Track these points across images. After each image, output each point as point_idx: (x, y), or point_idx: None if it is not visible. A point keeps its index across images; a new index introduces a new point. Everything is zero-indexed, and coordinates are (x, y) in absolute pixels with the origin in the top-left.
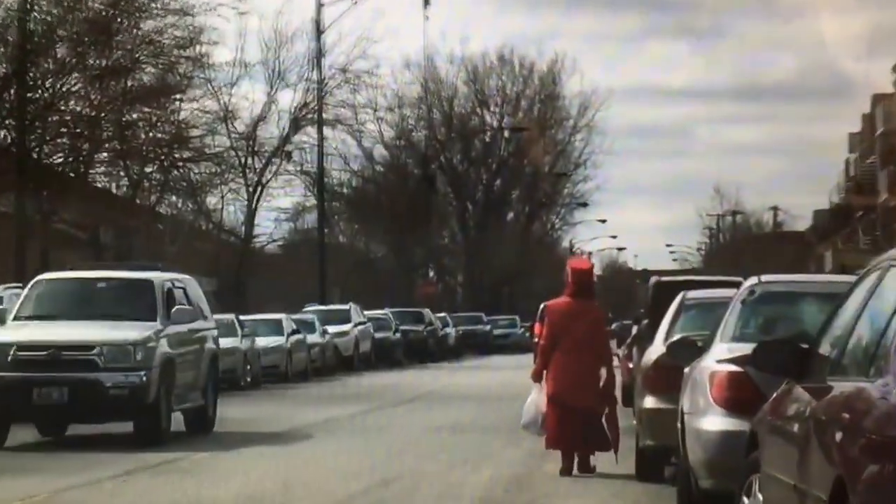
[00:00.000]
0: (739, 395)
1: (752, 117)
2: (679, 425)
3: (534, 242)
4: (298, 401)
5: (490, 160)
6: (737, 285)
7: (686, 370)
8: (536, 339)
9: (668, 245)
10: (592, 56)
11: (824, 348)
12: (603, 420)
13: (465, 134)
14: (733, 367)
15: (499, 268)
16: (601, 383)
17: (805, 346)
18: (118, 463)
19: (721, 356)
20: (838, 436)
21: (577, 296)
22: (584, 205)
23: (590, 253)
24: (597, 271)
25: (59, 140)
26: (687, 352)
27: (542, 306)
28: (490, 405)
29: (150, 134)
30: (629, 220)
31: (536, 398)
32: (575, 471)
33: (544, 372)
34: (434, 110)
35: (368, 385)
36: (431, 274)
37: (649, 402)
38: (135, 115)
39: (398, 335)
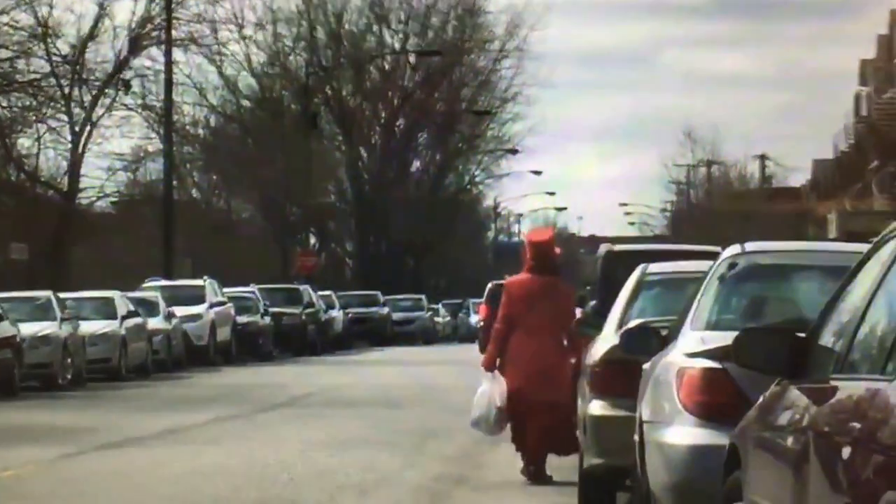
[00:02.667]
0: (716, 398)
1: (733, 39)
2: (636, 438)
3: (447, 200)
4: (134, 404)
5: (390, 93)
6: (713, 256)
7: (646, 366)
8: (482, 323)
9: (622, 204)
10: None
11: (827, 339)
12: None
13: (357, 59)
14: (708, 363)
15: (401, 233)
16: (567, 372)
17: (802, 335)
18: None
19: (692, 348)
20: (846, 452)
21: (538, 272)
22: (514, 151)
23: (553, 226)
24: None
25: None
26: (647, 342)
27: (490, 285)
28: (388, 413)
29: None
30: (572, 172)
31: (489, 390)
32: (528, 480)
33: (497, 360)
34: (317, 28)
35: (228, 384)
36: (312, 241)
37: (597, 407)
38: None
39: (268, 319)
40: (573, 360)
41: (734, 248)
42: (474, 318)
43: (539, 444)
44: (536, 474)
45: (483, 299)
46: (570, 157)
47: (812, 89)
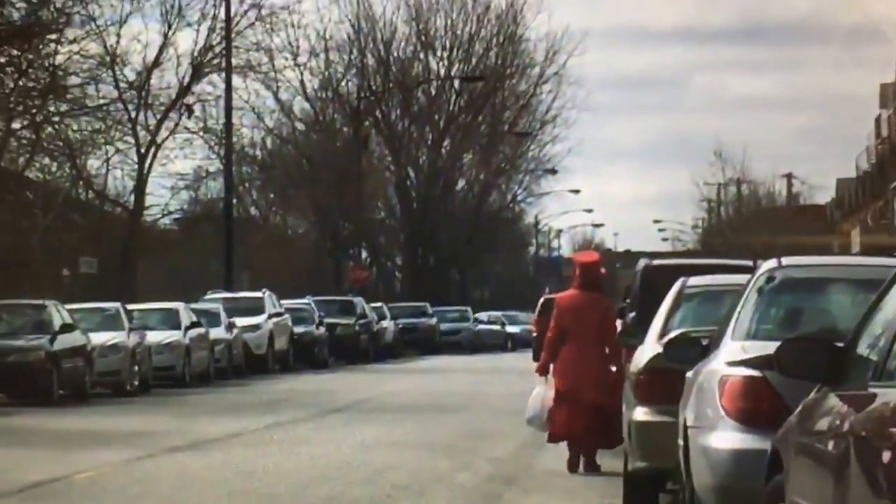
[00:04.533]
0: (757, 404)
1: (761, 64)
2: (680, 442)
3: (490, 217)
4: (198, 410)
5: (436, 116)
6: (746, 270)
7: (689, 374)
8: (535, 334)
9: (656, 221)
10: None
11: (863, 348)
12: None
13: (405, 84)
14: (749, 371)
15: (447, 248)
16: (610, 377)
17: (840, 345)
18: None
19: (733, 357)
20: (886, 455)
21: (584, 288)
22: (553, 171)
23: (595, 246)
24: (567, 252)
25: None
26: (689, 352)
27: (542, 299)
28: (438, 417)
29: (19, 82)
30: (608, 190)
31: (542, 392)
32: (581, 468)
33: (550, 366)
34: (367, 55)
35: (286, 391)
36: (364, 255)
37: (641, 413)
38: (0, 60)
39: (323, 330)
40: (614, 366)
41: (771, 262)
42: (514, 328)
43: (588, 440)
44: (588, 465)
45: (535, 312)
46: (606, 177)
47: (835, 112)
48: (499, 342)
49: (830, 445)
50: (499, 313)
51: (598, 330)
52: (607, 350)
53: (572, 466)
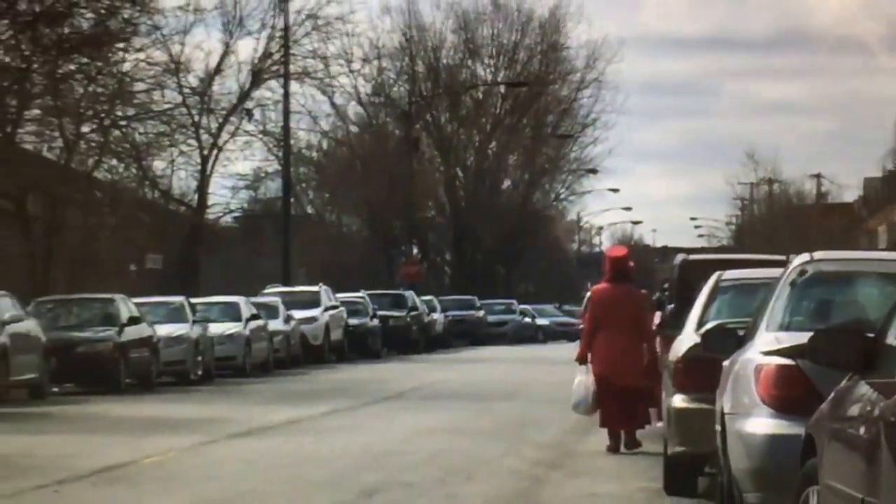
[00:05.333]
0: (791, 392)
1: (791, 70)
2: (718, 428)
3: (534, 215)
4: (258, 398)
5: (483, 120)
6: (781, 265)
7: (725, 364)
8: (582, 326)
9: (692, 218)
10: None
11: (892, 338)
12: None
13: (453, 89)
14: (783, 360)
15: (493, 244)
16: (644, 360)
17: (870, 335)
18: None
19: (768, 347)
20: None
21: (615, 281)
22: (593, 171)
23: (631, 243)
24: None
25: None
26: (725, 341)
27: (587, 295)
28: (486, 405)
29: (88, 88)
30: (646, 189)
31: (585, 379)
32: (622, 448)
33: (588, 354)
34: (418, 62)
35: (341, 380)
36: (415, 251)
37: (679, 401)
38: (71, 67)
39: (376, 322)
40: (649, 351)
41: (803, 257)
42: (543, 321)
43: (625, 421)
44: (629, 443)
45: (583, 307)
46: (644, 176)
47: (861, 114)
48: (530, 333)
49: (862, 430)
50: (529, 307)
51: (629, 319)
52: (641, 337)
53: (613, 450)
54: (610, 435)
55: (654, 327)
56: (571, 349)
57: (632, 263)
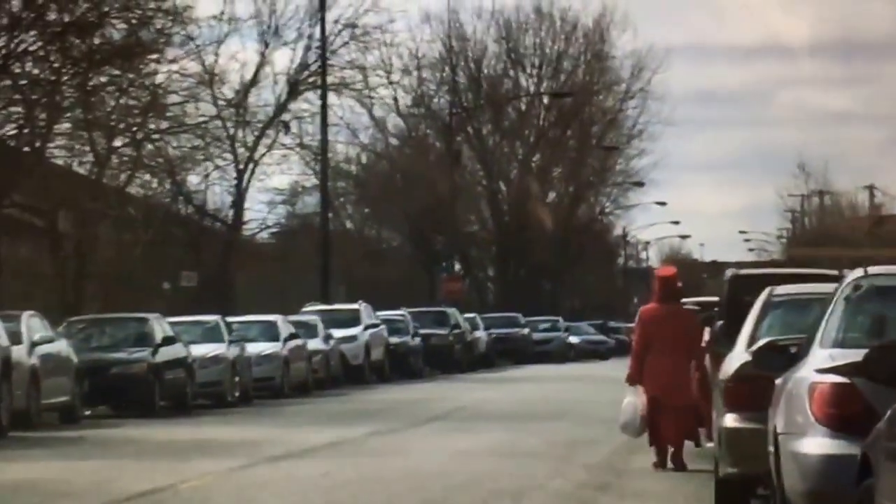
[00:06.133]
0: (847, 410)
1: (843, 79)
2: (771, 448)
3: (580, 229)
4: (297, 419)
5: (526, 131)
6: (831, 279)
7: (778, 382)
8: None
9: (741, 232)
10: (647, 8)
11: None
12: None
13: (495, 100)
14: (838, 378)
15: (538, 260)
16: (694, 379)
17: None
18: None
19: (822, 364)
20: None
21: (664, 301)
22: (640, 184)
23: (678, 258)
24: (655, 263)
25: (11, 108)
26: (778, 359)
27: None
28: (531, 426)
29: (120, 101)
30: (694, 202)
31: (634, 400)
32: (669, 465)
33: (639, 375)
34: (459, 72)
35: (382, 400)
36: (457, 267)
37: (731, 420)
38: (102, 79)
39: (417, 340)
40: (696, 370)
41: (858, 271)
42: (575, 339)
43: (675, 439)
44: (676, 464)
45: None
46: (692, 189)
47: None
48: (562, 352)
49: None
50: (564, 324)
51: (679, 338)
52: (691, 357)
53: (660, 467)
54: (657, 452)
55: (702, 344)
56: (604, 368)
57: (680, 284)
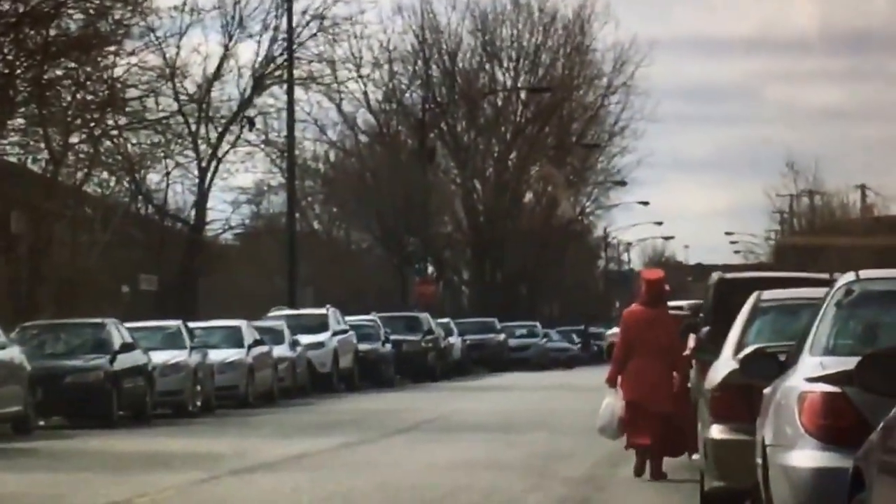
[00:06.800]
0: (838, 422)
1: (835, 74)
2: (759, 461)
3: (559, 230)
4: (262, 430)
5: (503, 128)
6: (822, 284)
7: (766, 391)
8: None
9: (727, 233)
10: None
11: None
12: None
13: (471, 95)
14: (829, 387)
15: (515, 262)
16: (675, 387)
17: None
18: None
19: (812, 373)
20: None
21: (649, 304)
22: (622, 183)
23: (662, 260)
24: (637, 266)
25: None
26: (766, 367)
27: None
28: (509, 437)
29: (77, 95)
30: (678, 202)
31: (612, 403)
32: (647, 475)
33: (619, 377)
34: (432, 66)
35: (351, 410)
36: (430, 270)
37: (717, 431)
38: (58, 73)
39: (388, 347)
40: (678, 375)
41: (849, 276)
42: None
43: (656, 449)
44: (655, 472)
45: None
46: (676, 188)
47: None
48: (540, 359)
49: None
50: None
51: (662, 343)
52: (673, 363)
53: (638, 472)
54: (637, 454)
55: (687, 352)
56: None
57: (667, 287)
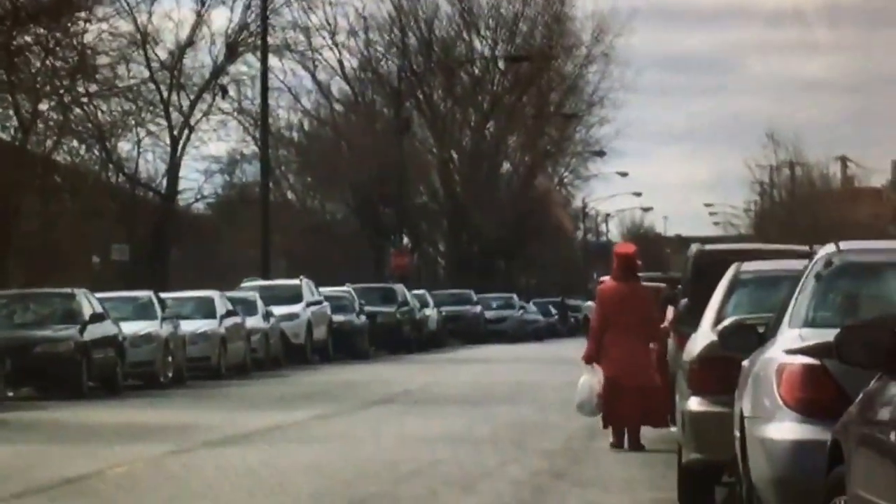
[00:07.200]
0: (817, 394)
1: (816, 45)
2: (737, 433)
3: (537, 201)
4: (234, 402)
5: (480, 98)
6: (801, 256)
7: (745, 363)
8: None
9: (707, 205)
10: None
11: None
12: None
13: (448, 65)
14: (808, 360)
15: (492, 234)
16: (652, 360)
17: None
18: None
19: (791, 345)
20: None
21: (623, 279)
22: (601, 154)
23: (640, 232)
24: (615, 237)
25: None
26: (745, 339)
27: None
28: (484, 409)
29: (47, 62)
30: (657, 173)
31: (590, 379)
32: (626, 446)
33: (596, 353)
34: (409, 34)
35: (325, 382)
36: (406, 241)
37: (695, 404)
38: (27, 39)
39: (363, 318)
40: (653, 345)
41: (829, 247)
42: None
43: (633, 421)
44: (633, 444)
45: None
46: (655, 159)
47: (891, 93)
48: (517, 331)
49: (893, 436)
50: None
51: (637, 316)
52: (650, 336)
53: (616, 446)
54: (614, 432)
55: (665, 324)
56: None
57: (639, 261)
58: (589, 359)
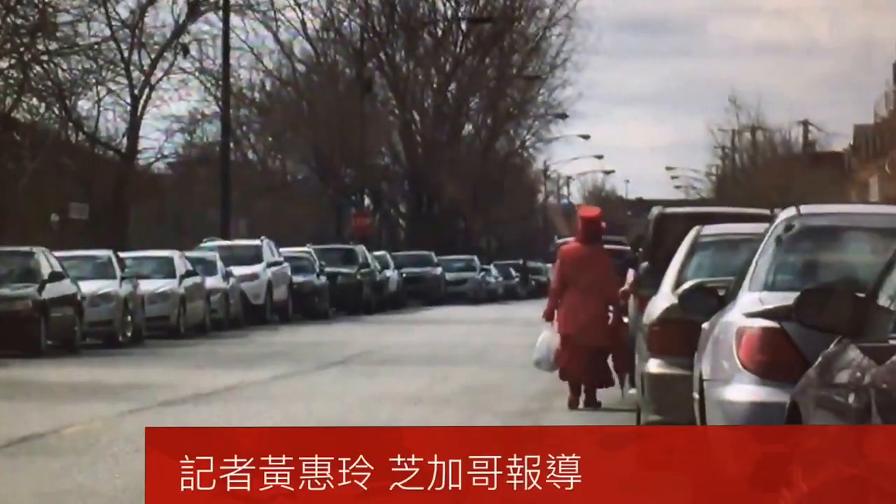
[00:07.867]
0: (776, 356)
1: (779, 8)
2: (696, 395)
3: (498, 163)
4: (194, 362)
5: (443, 59)
6: (762, 219)
7: (705, 326)
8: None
9: (668, 168)
10: None
11: (885, 299)
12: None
13: (410, 25)
14: (767, 322)
15: (453, 195)
16: (609, 321)
17: (861, 295)
18: None
19: (751, 308)
20: None
21: (586, 242)
22: (563, 116)
23: (602, 195)
24: (576, 200)
25: None
26: (705, 302)
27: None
28: (443, 370)
29: (6, 19)
30: (619, 136)
31: (548, 336)
32: (581, 405)
33: (555, 312)
34: None
35: (285, 343)
36: (367, 202)
37: (654, 366)
38: None
39: (323, 279)
40: (612, 307)
41: (790, 211)
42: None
43: (588, 379)
44: (588, 401)
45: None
46: (617, 122)
47: (853, 58)
48: (477, 293)
49: (851, 399)
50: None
51: (597, 278)
52: (608, 299)
53: (573, 404)
54: (570, 388)
55: (626, 287)
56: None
57: (604, 224)
58: (548, 316)
